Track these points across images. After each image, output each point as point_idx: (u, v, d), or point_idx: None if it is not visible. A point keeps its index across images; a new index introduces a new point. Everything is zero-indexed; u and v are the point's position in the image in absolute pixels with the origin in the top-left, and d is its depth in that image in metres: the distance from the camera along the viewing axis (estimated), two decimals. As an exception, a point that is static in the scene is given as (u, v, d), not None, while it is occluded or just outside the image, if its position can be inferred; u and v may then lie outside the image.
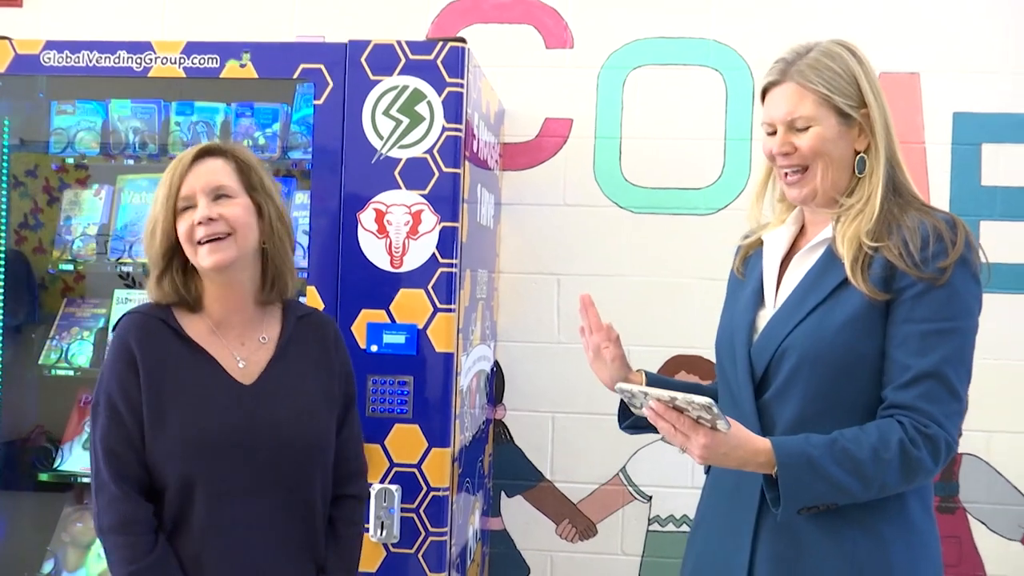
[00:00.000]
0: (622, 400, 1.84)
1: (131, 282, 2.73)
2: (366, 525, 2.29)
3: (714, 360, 1.94)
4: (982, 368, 2.85)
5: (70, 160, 2.68)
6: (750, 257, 1.90)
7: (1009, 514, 2.96)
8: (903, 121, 2.96)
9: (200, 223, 1.74)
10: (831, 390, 1.67)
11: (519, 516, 3.09)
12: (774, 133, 1.75)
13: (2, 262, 2.59)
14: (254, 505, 1.76)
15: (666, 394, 1.56)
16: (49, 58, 2.48)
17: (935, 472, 1.64)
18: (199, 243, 1.74)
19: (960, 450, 2.94)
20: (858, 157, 1.73)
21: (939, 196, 2.94)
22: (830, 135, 1.71)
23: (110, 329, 2.63)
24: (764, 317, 1.78)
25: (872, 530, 1.66)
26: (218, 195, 1.77)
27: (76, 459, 2.66)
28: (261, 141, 2.56)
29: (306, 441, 1.81)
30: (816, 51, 1.74)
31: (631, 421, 1.91)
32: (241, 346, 1.82)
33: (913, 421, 1.60)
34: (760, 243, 1.88)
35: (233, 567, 1.75)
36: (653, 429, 1.74)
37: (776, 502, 1.61)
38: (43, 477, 2.66)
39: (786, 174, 1.76)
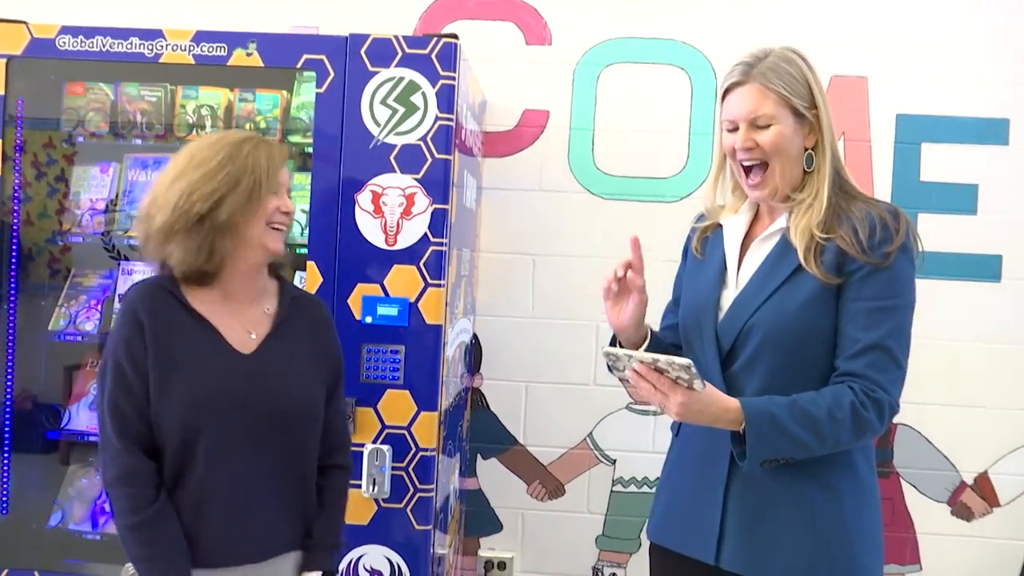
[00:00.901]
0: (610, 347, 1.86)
1: (117, 255, 2.75)
2: (359, 482, 2.37)
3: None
4: (916, 347, 2.96)
5: (80, 139, 2.70)
6: (707, 239, 1.97)
7: (937, 479, 3.08)
8: (851, 121, 3.07)
9: (286, 213, 1.83)
10: (792, 362, 1.77)
11: (493, 477, 3.17)
12: (734, 130, 1.82)
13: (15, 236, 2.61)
14: (251, 464, 1.80)
15: (648, 356, 1.63)
16: (64, 42, 2.50)
17: (881, 431, 1.76)
18: (276, 228, 1.83)
19: (895, 421, 3.07)
20: (807, 153, 1.82)
21: (882, 189, 3.05)
22: (787, 132, 1.79)
23: (116, 298, 2.67)
24: (728, 297, 1.86)
25: (827, 484, 1.77)
26: (288, 193, 1.89)
27: (82, 419, 2.70)
28: (263, 125, 2.60)
29: (299, 409, 1.86)
30: (773, 56, 1.81)
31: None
32: (247, 318, 1.86)
33: (863, 386, 1.71)
34: (717, 227, 1.95)
35: (230, 519, 1.79)
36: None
37: (742, 456, 1.71)
38: (50, 436, 2.70)
39: (747, 174, 1.83)
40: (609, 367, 1.74)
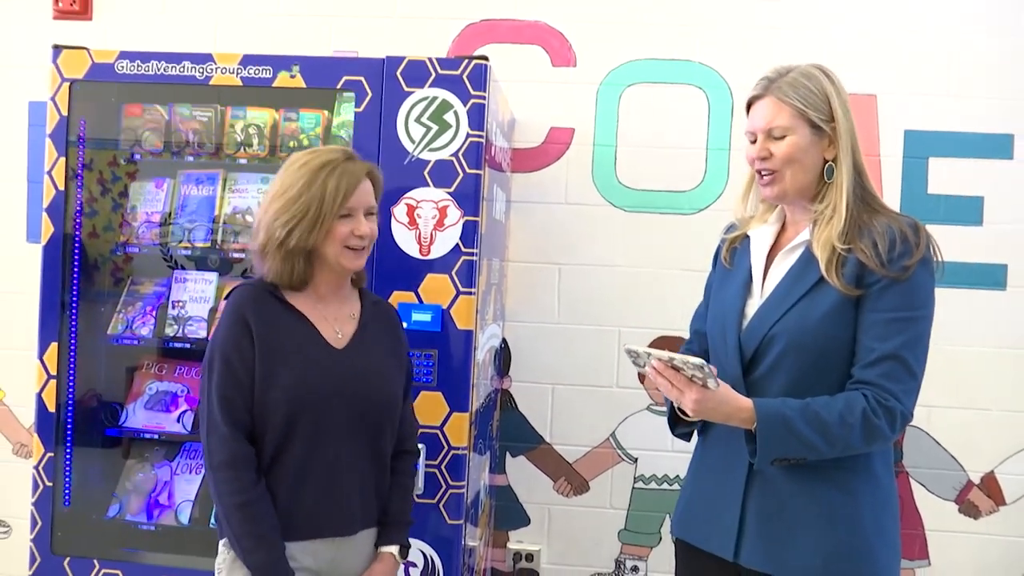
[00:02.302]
0: (671, 408, 1.90)
1: (173, 264, 2.76)
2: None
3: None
4: None
5: (137, 156, 2.71)
6: (736, 249, 1.94)
7: (945, 478, 3.02)
8: (862, 137, 2.96)
9: (360, 236, 1.88)
10: (812, 370, 1.72)
11: (522, 474, 3.14)
12: (755, 141, 1.81)
13: (79, 247, 2.61)
14: (342, 447, 1.86)
15: (666, 354, 1.64)
16: (122, 66, 2.51)
17: (892, 438, 1.71)
18: (352, 249, 1.87)
19: (905, 422, 3.02)
20: (827, 165, 1.77)
21: (892, 202, 2.97)
22: (803, 144, 1.76)
23: (170, 304, 2.67)
24: (752, 306, 1.82)
25: (844, 486, 1.72)
26: (368, 213, 1.91)
27: (138, 417, 2.69)
28: (305, 143, 2.59)
29: (384, 397, 1.94)
30: (796, 72, 1.79)
31: (680, 430, 1.96)
32: (335, 319, 1.93)
33: (876, 394, 1.66)
34: (745, 237, 1.92)
35: (323, 496, 1.85)
36: (692, 430, 1.88)
37: (753, 454, 1.68)
38: (109, 433, 2.70)
39: (761, 175, 1.81)
40: (632, 363, 1.74)
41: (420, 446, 2.35)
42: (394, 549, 1.97)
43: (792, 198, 1.80)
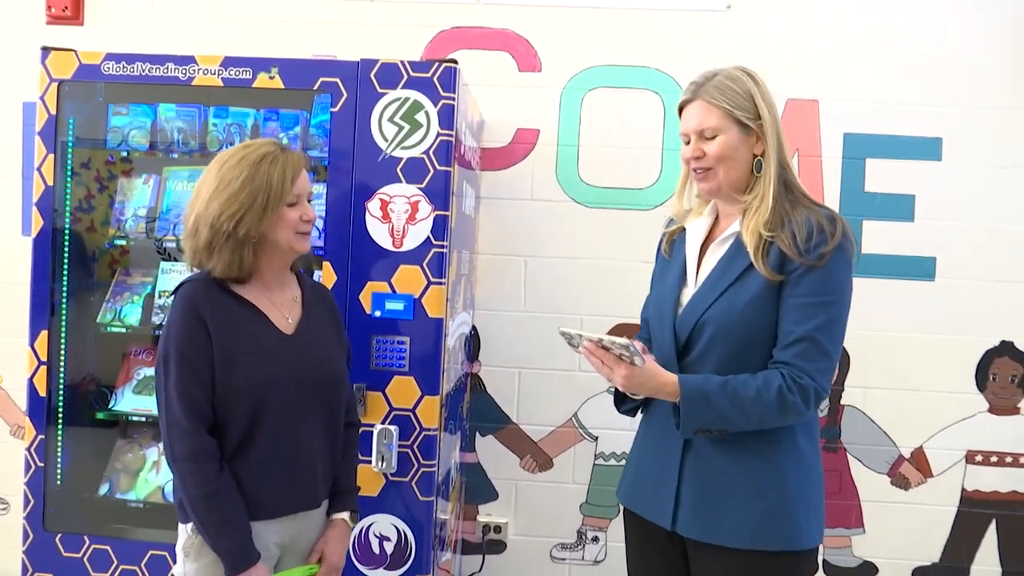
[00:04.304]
0: (616, 391, 1.87)
1: (167, 256, 2.65)
2: (369, 458, 2.27)
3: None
4: (862, 338, 2.94)
5: (124, 154, 2.59)
6: (675, 241, 1.90)
7: (879, 453, 2.99)
8: (804, 139, 2.98)
9: (308, 220, 1.81)
10: (739, 353, 1.70)
11: (490, 452, 3.07)
12: (689, 142, 1.78)
13: (68, 240, 2.50)
14: (304, 426, 1.78)
15: (595, 336, 1.64)
16: (108, 68, 2.39)
17: (807, 413, 1.68)
18: (301, 233, 1.79)
19: (843, 402, 2.98)
20: (756, 160, 1.75)
21: (832, 199, 2.95)
22: (733, 142, 1.73)
23: (157, 294, 2.56)
24: (687, 295, 1.79)
25: (771, 459, 1.70)
26: (308, 198, 1.84)
27: (127, 401, 2.59)
28: (284, 142, 2.46)
29: (334, 377, 1.86)
30: (721, 75, 1.76)
31: (625, 406, 1.91)
32: (282, 304, 1.83)
33: (791, 373, 1.65)
34: (682, 230, 1.89)
35: (290, 475, 1.77)
36: (637, 406, 1.86)
37: (678, 425, 1.67)
38: (99, 415, 2.59)
39: (696, 173, 1.78)
40: (568, 344, 1.72)
41: (393, 428, 2.28)
42: (346, 515, 1.90)
43: (725, 192, 1.77)
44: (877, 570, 3.01)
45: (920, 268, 2.95)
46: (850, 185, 2.96)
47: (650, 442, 1.84)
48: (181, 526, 1.78)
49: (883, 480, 3.00)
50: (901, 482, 2.99)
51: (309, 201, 1.84)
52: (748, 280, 1.69)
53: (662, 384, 1.67)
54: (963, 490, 2.98)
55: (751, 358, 1.69)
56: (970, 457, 2.98)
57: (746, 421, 1.65)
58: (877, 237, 2.94)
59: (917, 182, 2.95)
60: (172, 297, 1.79)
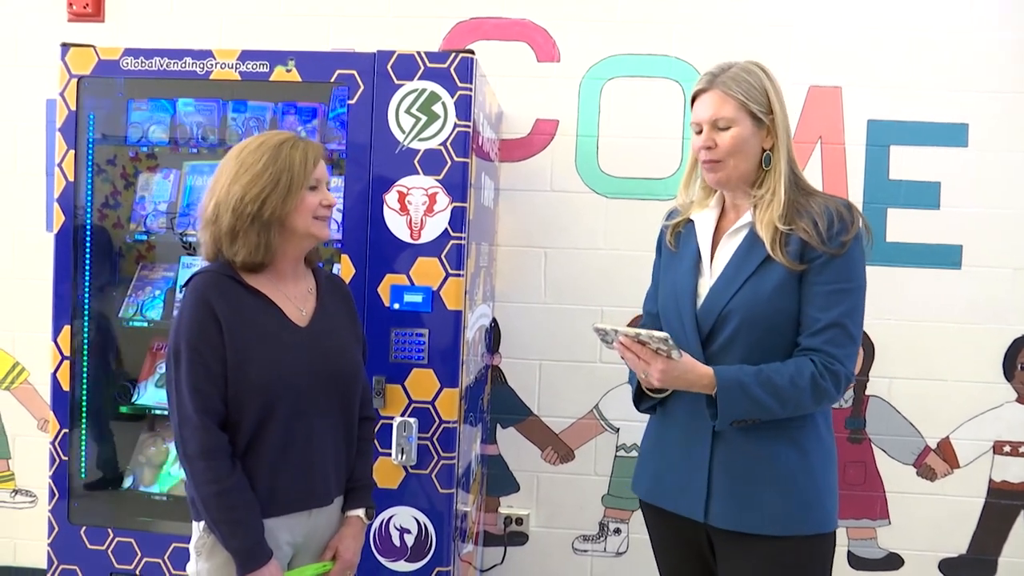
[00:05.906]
0: (637, 386, 1.84)
1: (190, 250, 2.63)
2: (389, 450, 2.25)
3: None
4: (887, 328, 2.87)
5: (144, 149, 2.57)
6: (680, 233, 1.87)
7: (904, 444, 2.93)
8: (827, 126, 2.91)
9: (328, 206, 1.76)
10: (764, 341, 1.68)
11: (511, 444, 3.03)
12: (700, 132, 1.75)
13: (90, 235, 2.49)
14: (317, 421, 1.73)
15: (632, 331, 1.60)
16: (127, 63, 2.37)
17: (837, 399, 1.69)
18: (320, 218, 1.74)
19: (868, 393, 2.92)
20: (765, 154, 1.73)
21: (855, 187, 2.88)
22: (745, 134, 1.71)
23: (178, 288, 2.55)
24: (705, 285, 1.76)
25: (797, 444, 1.70)
26: (327, 186, 1.80)
27: (150, 395, 2.58)
28: (303, 135, 2.46)
29: (349, 370, 1.79)
30: (736, 67, 1.74)
31: (645, 406, 1.88)
32: (296, 296, 1.78)
33: (822, 359, 1.64)
34: (687, 221, 1.86)
35: (304, 470, 1.72)
36: (654, 404, 1.82)
37: (714, 416, 1.65)
38: (123, 409, 2.58)
39: (707, 164, 1.75)
40: (601, 340, 1.68)
41: (412, 420, 2.25)
42: (360, 512, 1.85)
43: (734, 184, 1.75)
44: (903, 562, 2.95)
45: (946, 256, 2.87)
46: (874, 173, 2.89)
47: (672, 436, 1.81)
48: (194, 524, 1.74)
49: (909, 471, 2.93)
50: (927, 473, 2.93)
51: (328, 189, 1.81)
52: (768, 269, 1.68)
53: (699, 376, 1.65)
54: (991, 481, 2.91)
55: (774, 345, 1.68)
56: (998, 448, 2.91)
57: (781, 409, 1.64)
58: (902, 225, 2.87)
59: (942, 169, 2.87)
60: (182, 290, 1.74)
